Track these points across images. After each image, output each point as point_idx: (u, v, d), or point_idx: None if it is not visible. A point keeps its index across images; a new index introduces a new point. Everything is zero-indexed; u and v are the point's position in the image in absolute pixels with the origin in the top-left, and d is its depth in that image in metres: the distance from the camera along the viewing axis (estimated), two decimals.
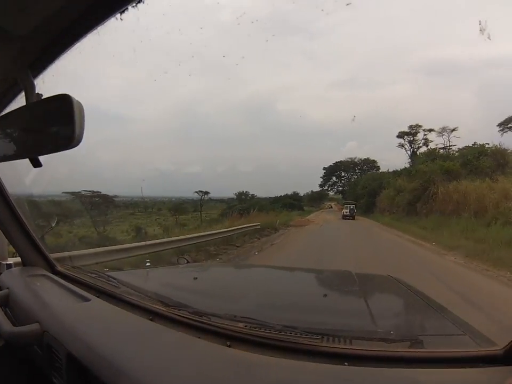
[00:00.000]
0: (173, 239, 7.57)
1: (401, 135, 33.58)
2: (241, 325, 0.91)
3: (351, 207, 26.14)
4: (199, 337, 0.88)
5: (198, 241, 8.27)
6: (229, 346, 0.83)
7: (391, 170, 31.34)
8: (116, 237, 16.13)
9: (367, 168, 39.69)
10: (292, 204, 33.51)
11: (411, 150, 33.47)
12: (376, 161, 38.53)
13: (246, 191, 33.00)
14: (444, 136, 29.29)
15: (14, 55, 0.89)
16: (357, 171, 40.57)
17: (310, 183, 39.65)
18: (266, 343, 0.83)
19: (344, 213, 26.00)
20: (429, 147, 29.75)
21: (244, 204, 27.76)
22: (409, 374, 0.71)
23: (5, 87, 1.07)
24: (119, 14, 0.74)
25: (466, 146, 23.90)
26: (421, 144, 32.76)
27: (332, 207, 38.63)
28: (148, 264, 2.57)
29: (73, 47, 0.88)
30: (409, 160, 31.57)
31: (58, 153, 0.83)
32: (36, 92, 0.92)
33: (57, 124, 0.83)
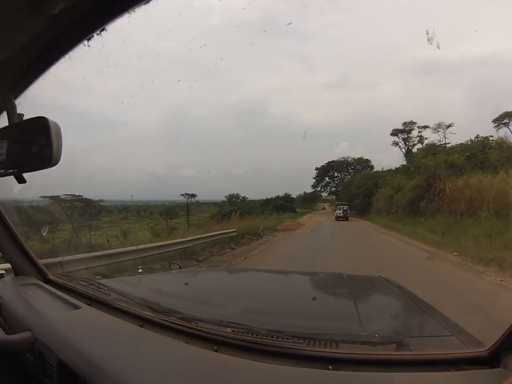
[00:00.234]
0: (128, 249, 6.67)
1: (395, 132, 32.73)
2: (228, 329, 0.92)
3: (345, 208, 25.36)
4: (187, 343, 0.89)
5: (154, 252, 6.95)
6: (216, 351, 0.85)
7: (385, 169, 30.57)
8: (99, 243, 14.77)
9: (360, 168, 38.60)
10: (284, 205, 32.44)
11: (406, 147, 32.59)
12: (369, 160, 37.62)
13: (237, 194, 32.20)
14: (439, 132, 28.43)
15: None
16: (350, 171, 39.71)
17: (304, 184, 39.00)
18: (252, 348, 0.84)
19: (338, 214, 25.10)
20: (424, 144, 29.06)
21: (235, 206, 27.25)
22: (392, 378, 0.72)
23: None
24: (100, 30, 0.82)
25: (461, 143, 22.27)
26: (415, 142, 31.94)
27: (325, 208, 37.66)
28: (140, 270, 2.48)
29: (49, 70, 0.96)
30: (404, 158, 30.81)
31: None
32: (18, 112, 1.01)
33: (36, 144, 0.89)
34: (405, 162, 28.42)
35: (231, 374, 0.76)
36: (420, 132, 31.36)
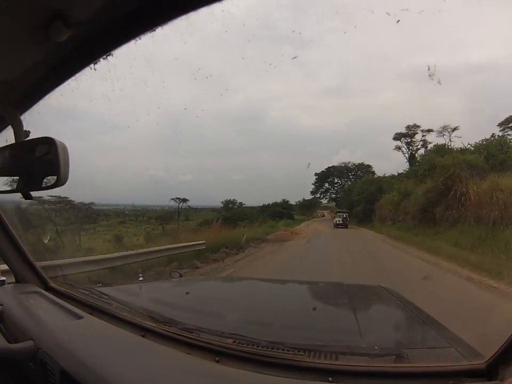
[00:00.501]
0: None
1: (397, 136, 30.94)
2: (229, 341, 0.93)
3: (344, 216, 24.70)
4: (188, 353, 0.90)
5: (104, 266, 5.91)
6: (218, 362, 0.86)
7: (387, 175, 29.04)
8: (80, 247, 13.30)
9: (361, 174, 36.79)
10: (281, 212, 30.91)
11: (409, 152, 30.62)
12: (371, 166, 35.92)
13: (234, 199, 31.14)
14: (444, 136, 25.99)
15: (1, 96, 0.99)
16: (350, 177, 38.05)
17: (303, 191, 37.64)
18: (254, 359, 0.85)
19: (337, 222, 24.30)
20: (428, 148, 27.23)
21: (230, 212, 26.69)
22: None
23: None
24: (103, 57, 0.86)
25: (476, 142, 20.00)
26: (419, 146, 29.95)
27: (324, 216, 36.71)
28: (140, 278, 2.38)
29: (56, 90, 0.99)
30: (408, 163, 28.94)
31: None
32: (24, 128, 1.04)
33: (43, 164, 0.91)
34: (408, 168, 26.88)
35: None
36: (423, 135, 29.50)
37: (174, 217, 26.30)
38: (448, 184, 13.36)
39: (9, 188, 1.00)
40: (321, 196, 38.93)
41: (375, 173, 34.61)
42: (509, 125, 21.91)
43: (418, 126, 29.54)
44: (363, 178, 33.35)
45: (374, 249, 11.28)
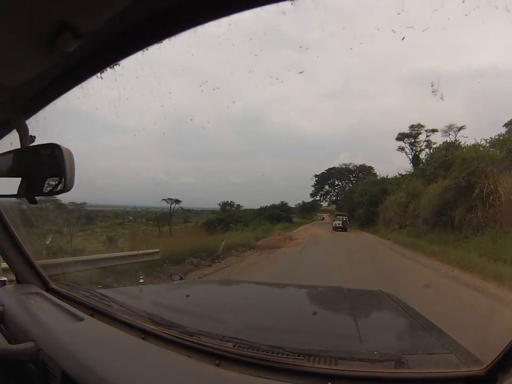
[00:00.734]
0: None
1: (401, 137, 29.90)
2: (230, 344, 0.94)
3: (344, 219, 24.05)
4: (189, 357, 0.90)
5: None
6: (218, 365, 0.86)
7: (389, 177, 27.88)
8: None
9: (362, 176, 35.86)
10: (279, 215, 30.11)
11: (413, 153, 29.65)
12: (372, 167, 34.82)
13: (231, 201, 31.07)
14: (450, 135, 24.81)
15: (8, 101, 0.99)
16: (352, 179, 37.38)
17: (303, 194, 37.22)
18: (253, 363, 0.85)
19: (337, 225, 23.54)
20: (432, 149, 25.92)
21: (227, 214, 26.56)
22: None
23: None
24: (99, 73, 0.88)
25: (491, 137, 18.19)
26: (423, 147, 28.94)
27: (324, 219, 35.76)
28: (141, 280, 2.71)
29: (62, 96, 1.00)
30: (411, 164, 28.12)
31: None
32: (30, 134, 1.05)
33: (49, 170, 0.92)
34: (410, 169, 26.12)
35: None
36: (428, 135, 28.35)
37: (172, 218, 25.90)
38: (471, 181, 11.07)
39: (14, 192, 1.01)
40: (321, 199, 38.11)
41: (376, 175, 33.34)
42: None
43: (422, 126, 28.50)
44: (365, 180, 32.08)
45: (383, 262, 9.01)
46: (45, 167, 0.93)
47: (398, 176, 25.98)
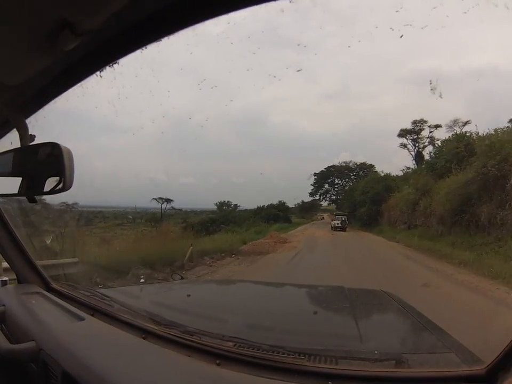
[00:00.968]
0: None
1: (403, 133, 28.80)
2: (230, 344, 0.93)
3: (343, 218, 23.44)
4: (189, 356, 0.90)
5: None
6: (218, 365, 0.86)
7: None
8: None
9: (363, 174, 34.57)
10: (277, 215, 29.10)
11: (415, 150, 28.51)
12: (373, 165, 33.44)
13: (228, 201, 30.57)
14: (454, 130, 23.44)
15: (8, 100, 0.98)
16: (352, 177, 36.17)
17: (303, 194, 36.43)
18: (254, 362, 0.85)
19: (336, 225, 22.74)
20: (435, 145, 24.48)
21: (220, 214, 26.17)
22: None
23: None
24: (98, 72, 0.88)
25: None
26: (426, 143, 27.76)
27: (323, 218, 34.82)
28: (142, 280, 2.72)
29: (62, 95, 1.00)
30: (414, 161, 27.13)
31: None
32: (29, 132, 1.04)
33: (48, 169, 0.92)
34: (413, 167, 24.88)
35: None
36: (431, 131, 27.19)
37: (167, 219, 24.98)
38: (504, 170, 8.94)
39: (14, 191, 1.01)
40: (321, 198, 37.12)
41: (378, 173, 31.89)
42: None
43: (425, 122, 27.37)
44: (367, 177, 30.63)
45: (401, 276, 6.31)
46: (44, 166, 0.94)
47: (405, 169, 24.76)
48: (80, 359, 0.90)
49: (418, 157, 26.60)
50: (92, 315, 1.20)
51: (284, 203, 31.96)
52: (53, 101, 1.01)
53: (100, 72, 0.85)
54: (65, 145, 0.87)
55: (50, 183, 0.89)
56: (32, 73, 0.83)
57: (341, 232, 20.52)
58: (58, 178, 0.86)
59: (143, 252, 7.36)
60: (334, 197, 36.22)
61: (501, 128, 11.74)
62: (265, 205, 30.13)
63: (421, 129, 27.59)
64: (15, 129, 1.07)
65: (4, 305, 1.32)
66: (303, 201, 36.06)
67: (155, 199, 25.49)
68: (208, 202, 31.10)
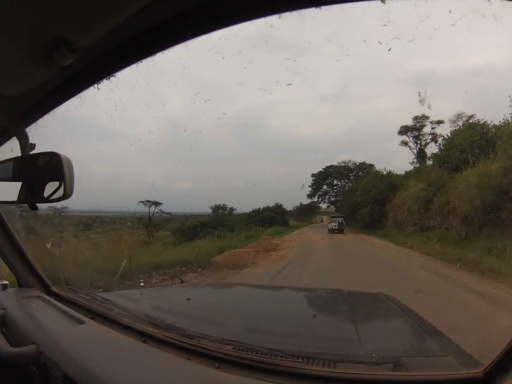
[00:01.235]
0: None
1: (404, 130, 27.38)
2: (229, 347, 0.94)
3: (340, 220, 22.77)
4: (188, 359, 0.91)
5: None
6: (217, 368, 0.87)
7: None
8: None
9: (363, 175, 32.87)
10: (273, 218, 28.09)
11: (417, 147, 27.07)
12: (373, 165, 31.70)
13: (224, 204, 28.82)
14: (458, 126, 21.16)
15: (8, 110, 1.01)
16: (351, 178, 34.52)
17: (303, 197, 34.83)
18: (252, 366, 0.86)
19: (333, 227, 22.02)
20: (438, 143, 23.14)
21: (213, 217, 25.04)
22: None
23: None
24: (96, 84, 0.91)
25: None
26: (428, 140, 26.38)
27: (322, 221, 33.96)
28: (142, 284, 2.75)
29: (60, 106, 1.03)
30: (416, 159, 25.86)
31: None
32: (30, 141, 1.06)
33: (48, 178, 0.92)
34: (414, 167, 23.92)
35: None
36: (433, 128, 25.94)
37: (163, 224, 24.44)
38: None
39: (15, 199, 1.01)
40: (319, 200, 35.32)
41: (379, 172, 29.88)
42: None
43: (427, 117, 25.91)
44: (369, 175, 28.80)
45: (443, 312, 3.35)
46: (44, 175, 0.95)
47: (414, 162, 23.37)
48: (81, 362, 0.91)
49: (421, 154, 25.38)
50: (92, 318, 1.21)
51: (281, 205, 30.81)
52: (52, 111, 1.04)
53: (97, 84, 0.88)
54: (64, 154, 0.89)
55: (50, 191, 0.90)
56: (31, 85, 0.86)
57: (340, 235, 18.98)
58: (58, 186, 0.88)
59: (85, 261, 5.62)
60: (333, 199, 34.65)
61: None
62: (261, 208, 28.67)
63: (423, 126, 26.21)
64: (15, 138, 1.08)
65: (4, 308, 1.35)
66: (301, 204, 34.74)
67: (142, 202, 24.26)
68: (207, 206, 30.03)
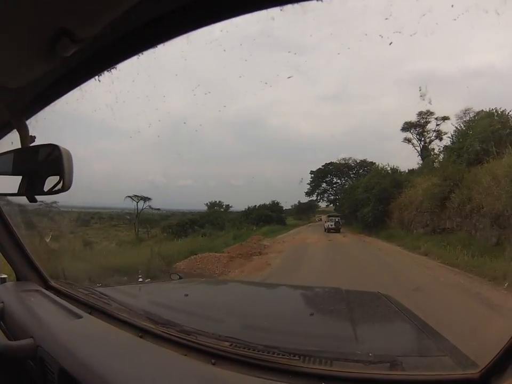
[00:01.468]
0: None
1: (407, 127, 26.75)
2: (226, 344, 0.94)
3: (336, 220, 22.63)
4: (185, 355, 0.92)
5: None
6: (214, 364, 0.87)
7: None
8: None
9: (364, 173, 31.65)
10: (269, 216, 27.17)
11: (421, 144, 26.57)
12: (375, 163, 30.22)
13: (220, 201, 28.65)
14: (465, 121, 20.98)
15: (9, 102, 1.02)
16: (352, 175, 33.62)
17: (302, 195, 33.69)
18: (249, 362, 0.86)
19: (329, 226, 21.59)
20: (442, 140, 22.98)
21: (204, 215, 24.75)
22: None
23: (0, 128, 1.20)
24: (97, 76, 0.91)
25: None
26: (432, 137, 25.74)
27: (321, 220, 32.46)
28: (140, 279, 2.53)
29: (61, 98, 1.03)
30: (420, 156, 25.40)
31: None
32: (30, 134, 1.07)
33: (48, 170, 0.94)
34: (418, 163, 23.77)
35: None
36: (437, 124, 25.18)
37: (159, 220, 24.18)
38: None
39: (14, 191, 1.02)
40: (318, 198, 34.52)
41: (382, 168, 28.47)
42: None
43: (432, 113, 25.08)
44: (372, 171, 27.04)
45: None
46: (44, 167, 0.96)
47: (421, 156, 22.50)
48: (77, 356, 0.92)
49: (425, 151, 24.85)
50: (90, 313, 1.22)
51: (278, 203, 29.83)
52: (53, 104, 1.05)
53: (99, 76, 0.89)
54: (64, 147, 0.89)
55: (49, 183, 0.91)
56: (32, 77, 0.86)
57: (340, 237, 17.64)
58: (57, 178, 0.89)
59: None
60: (332, 197, 33.84)
61: None
62: (257, 206, 27.84)
63: (427, 122, 25.39)
64: (15, 130, 1.09)
65: (2, 302, 1.35)
66: (299, 202, 33.86)
67: (130, 196, 23.39)
68: (206, 204, 30.62)
